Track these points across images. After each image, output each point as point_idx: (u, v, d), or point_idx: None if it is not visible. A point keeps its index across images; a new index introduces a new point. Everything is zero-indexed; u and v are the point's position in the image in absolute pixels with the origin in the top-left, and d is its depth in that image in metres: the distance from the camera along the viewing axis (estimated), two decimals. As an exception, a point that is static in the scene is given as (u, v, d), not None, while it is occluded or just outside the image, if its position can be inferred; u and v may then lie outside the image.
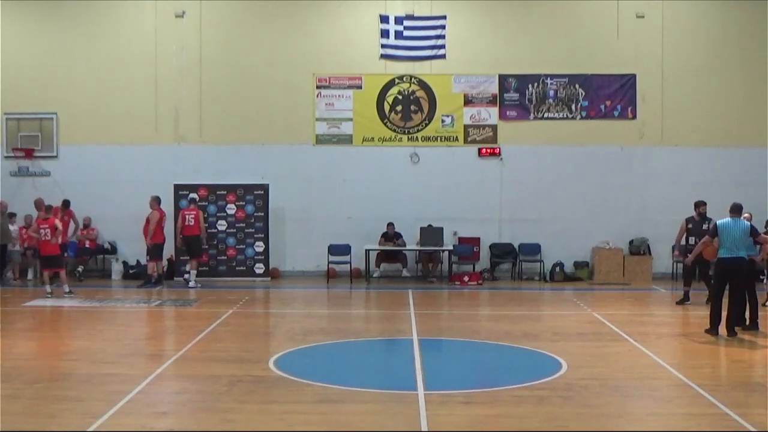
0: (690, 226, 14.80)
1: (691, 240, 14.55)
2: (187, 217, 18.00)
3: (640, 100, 19.35)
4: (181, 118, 19.53)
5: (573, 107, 19.48)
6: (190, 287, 17.37)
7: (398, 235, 18.66)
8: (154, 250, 17.60)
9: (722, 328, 11.68)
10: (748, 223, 11.98)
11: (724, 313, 11.76)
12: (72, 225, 18.59)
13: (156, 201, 17.72)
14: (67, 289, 15.88)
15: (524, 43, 19.54)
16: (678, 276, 17.50)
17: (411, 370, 9.53)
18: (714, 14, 19.46)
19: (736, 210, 11.96)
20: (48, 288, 15.68)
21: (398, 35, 19.41)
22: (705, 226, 14.20)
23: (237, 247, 18.87)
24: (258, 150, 19.41)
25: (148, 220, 17.62)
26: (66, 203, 18.53)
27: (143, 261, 18.31)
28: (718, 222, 11.94)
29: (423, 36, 19.40)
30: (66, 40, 19.63)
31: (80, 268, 18.25)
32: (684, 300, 14.74)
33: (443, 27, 19.35)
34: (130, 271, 18.83)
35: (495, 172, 19.48)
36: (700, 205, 14.96)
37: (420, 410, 7.68)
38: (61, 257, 16.34)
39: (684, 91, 19.29)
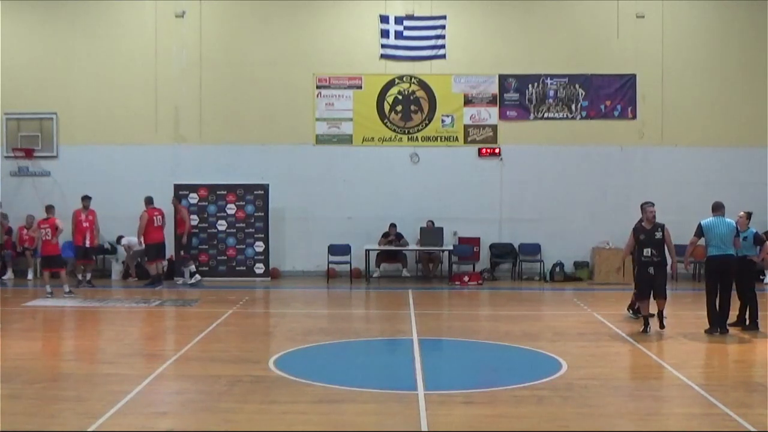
0: (642, 237, 12.01)
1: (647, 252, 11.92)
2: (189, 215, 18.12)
3: (640, 100, 19.36)
4: (181, 118, 19.53)
5: (573, 107, 19.48)
6: (198, 280, 17.84)
7: (399, 236, 18.66)
8: (152, 251, 17.61)
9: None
10: (734, 222, 12.01)
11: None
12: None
13: (146, 201, 17.78)
14: (67, 289, 15.88)
15: (524, 43, 19.55)
16: (678, 277, 17.31)
17: (411, 370, 9.53)
18: (714, 14, 19.47)
19: (719, 208, 12.03)
20: (48, 288, 15.67)
21: (398, 35, 19.41)
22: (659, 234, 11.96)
23: (237, 247, 18.87)
24: (258, 150, 19.41)
25: (139, 221, 17.72)
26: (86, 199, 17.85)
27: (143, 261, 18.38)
28: (702, 222, 12.02)
29: (423, 36, 19.40)
30: (66, 40, 19.63)
31: (88, 275, 17.59)
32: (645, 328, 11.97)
33: (443, 27, 19.35)
34: (130, 271, 18.82)
35: (495, 172, 19.49)
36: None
37: (420, 410, 7.68)
38: (62, 257, 16.33)
39: (684, 91, 19.30)
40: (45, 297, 15.50)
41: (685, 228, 14.32)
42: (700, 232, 12.00)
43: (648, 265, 11.83)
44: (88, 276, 17.60)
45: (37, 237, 16.34)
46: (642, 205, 12.20)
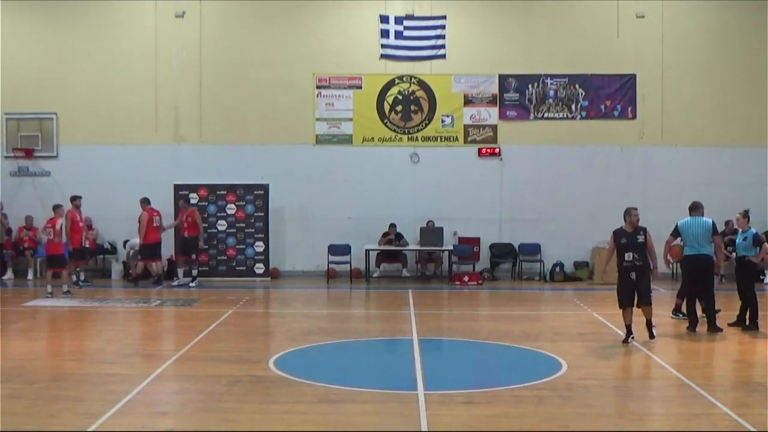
0: (624, 241, 11.25)
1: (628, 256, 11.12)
2: None
3: (640, 100, 19.36)
4: (181, 118, 19.53)
5: (573, 107, 19.48)
6: (194, 285, 17.63)
7: (399, 236, 18.66)
8: (146, 250, 17.60)
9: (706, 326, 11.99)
10: (710, 221, 12.10)
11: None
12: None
13: (143, 202, 17.79)
14: (65, 289, 15.88)
15: (524, 43, 19.55)
16: (678, 276, 17.27)
17: (411, 370, 9.54)
18: (714, 14, 19.48)
19: (696, 208, 12.20)
20: (49, 288, 15.68)
21: (398, 35, 19.41)
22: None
23: (237, 247, 18.86)
24: (258, 150, 19.41)
25: (139, 221, 17.71)
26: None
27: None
28: (679, 222, 12.22)
29: (423, 36, 19.40)
30: (66, 40, 19.63)
31: (82, 276, 17.61)
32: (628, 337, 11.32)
33: (443, 27, 19.35)
34: (130, 271, 18.82)
35: (495, 172, 19.49)
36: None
37: (420, 410, 7.69)
38: (64, 256, 16.31)
39: (684, 91, 19.30)
40: (45, 297, 15.50)
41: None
42: (676, 231, 12.22)
43: (630, 270, 11.04)
44: (82, 276, 17.61)
45: (43, 236, 16.34)
46: (628, 209, 11.34)
